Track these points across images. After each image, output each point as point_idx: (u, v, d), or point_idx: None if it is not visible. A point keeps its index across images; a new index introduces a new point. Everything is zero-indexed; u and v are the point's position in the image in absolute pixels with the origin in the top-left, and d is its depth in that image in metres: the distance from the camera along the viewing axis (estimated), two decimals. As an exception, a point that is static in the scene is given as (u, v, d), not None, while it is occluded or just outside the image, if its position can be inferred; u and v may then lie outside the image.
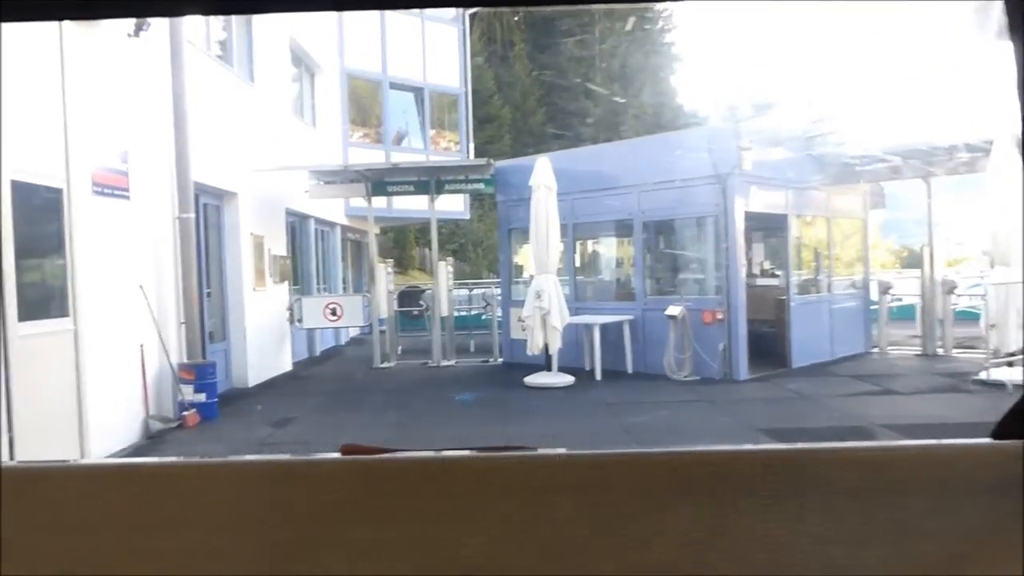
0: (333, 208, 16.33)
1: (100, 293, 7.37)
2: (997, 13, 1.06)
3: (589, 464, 1.08)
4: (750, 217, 10.86)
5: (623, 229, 12.66)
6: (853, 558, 1.01)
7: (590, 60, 37.08)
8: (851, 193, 12.85)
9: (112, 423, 7.49)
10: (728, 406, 9.07)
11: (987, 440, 1.08)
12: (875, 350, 12.73)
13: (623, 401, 9.43)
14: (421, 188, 13.22)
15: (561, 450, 1.11)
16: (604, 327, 10.96)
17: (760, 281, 12.24)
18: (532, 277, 11.13)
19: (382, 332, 12.90)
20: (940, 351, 12.05)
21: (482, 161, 13.36)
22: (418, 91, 19.72)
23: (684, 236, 12.03)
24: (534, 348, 10.54)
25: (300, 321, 12.88)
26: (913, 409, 8.56)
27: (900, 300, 15.29)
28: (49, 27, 6.68)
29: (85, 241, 7.12)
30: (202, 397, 8.60)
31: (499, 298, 13.54)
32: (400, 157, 17.47)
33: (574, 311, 11.25)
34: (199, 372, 8.67)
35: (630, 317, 11.27)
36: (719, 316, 10.51)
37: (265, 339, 11.80)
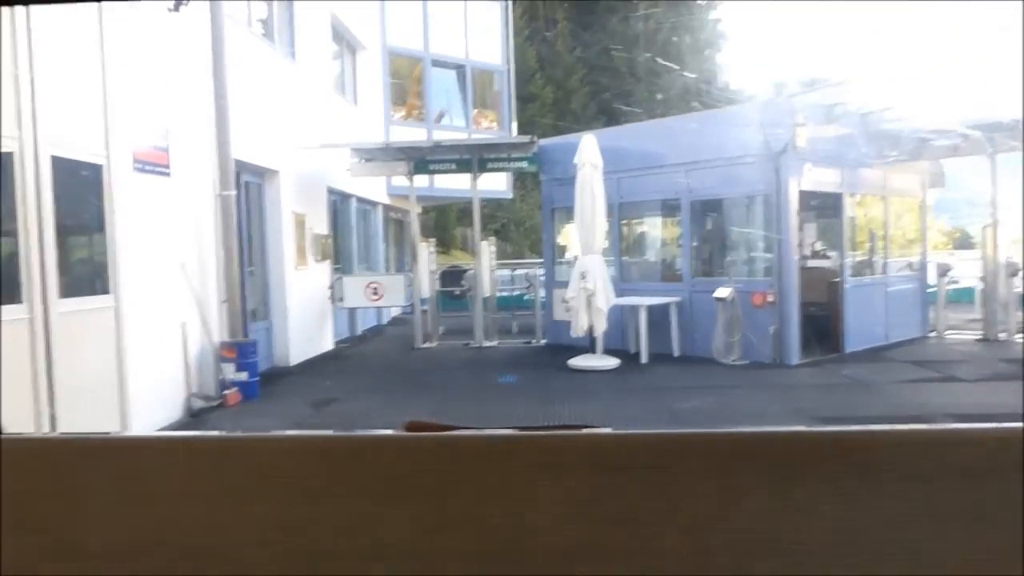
0: (375, 187, 16.22)
1: (141, 270, 7.31)
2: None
3: (652, 442, 1.07)
4: (803, 196, 10.46)
5: (670, 209, 12.32)
6: (929, 541, 1.00)
7: (634, 38, 36.42)
8: (909, 171, 12.34)
9: (154, 400, 7.46)
10: (780, 392, 8.76)
11: None
12: (932, 334, 12.27)
13: (670, 385, 9.17)
14: (463, 166, 13.02)
15: (627, 430, 1.09)
16: (650, 309, 10.68)
17: (812, 262, 11.83)
18: (576, 257, 10.89)
19: (424, 312, 12.80)
20: (1003, 336, 11.54)
21: (526, 139, 13.09)
22: (460, 69, 19.49)
23: (733, 216, 11.66)
24: (578, 330, 10.31)
25: (341, 300, 12.81)
26: (977, 397, 8.17)
27: (957, 283, 14.72)
28: (88, 3, 6.59)
29: (126, 218, 7.06)
30: (243, 376, 8.55)
31: (542, 278, 13.35)
32: (442, 135, 17.27)
33: (619, 292, 10.99)
34: (240, 351, 8.61)
35: (677, 299, 10.97)
36: (770, 298, 10.16)
37: (306, 318, 11.75)
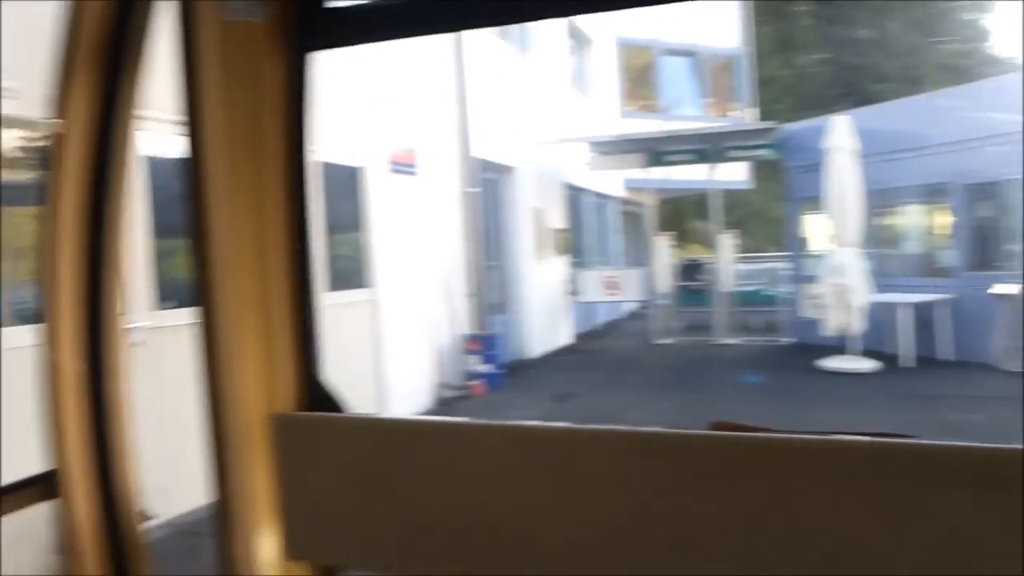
0: (610, 180, 16.16)
1: (395, 266, 7.71)
2: None
3: (991, 457, 1.00)
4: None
5: (933, 194, 11.08)
6: None
7: (883, 8, 33.50)
8: None
9: (407, 388, 7.86)
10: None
11: None
12: None
13: (941, 394, 8.22)
14: (701, 156, 12.59)
15: (950, 441, 1.04)
16: (913, 307, 9.68)
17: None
18: (826, 250, 10.12)
19: (662, 307, 12.55)
20: None
21: (768, 124, 12.42)
22: (693, 55, 18.89)
23: (1015, 201, 10.25)
24: (830, 328, 9.57)
25: (579, 294, 12.87)
26: None
27: None
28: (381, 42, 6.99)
29: (381, 216, 7.47)
30: (488, 368, 8.80)
31: (787, 273, 12.59)
32: (676, 126, 16.83)
33: (877, 288, 10.05)
34: (485, 343, 8.87)
35: (945, 296, 9.84)
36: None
37: (546, 311, 11.91)
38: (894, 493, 1.02)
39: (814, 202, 11.00)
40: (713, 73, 19.41)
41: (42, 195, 1.49)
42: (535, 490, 1.23)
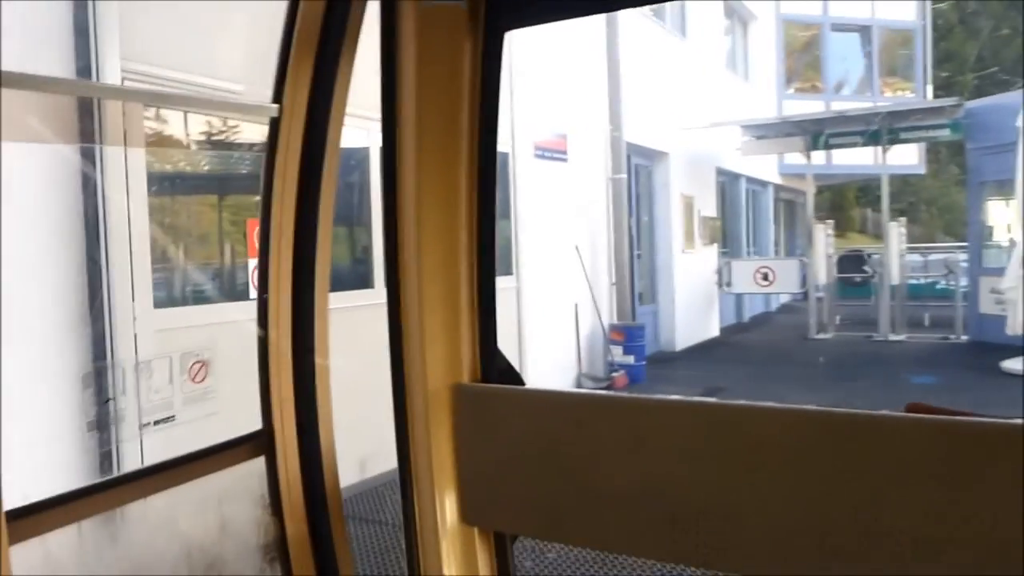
0: (765, 166, 15.44)
1: (540, 252, 7.62)
2: None
3: None
4: None
5: None
6: None
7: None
8: None
9: (549, 377, 7.78)
10: None
11: None
12: None
13: None
14: (870, 139, 11.72)
15: None
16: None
17: None
18: (1015, 241, 9.15)
19: (819, 299, 11.86)
20: None
21: (949, 101, 11.36)
22: (864, 30, 17.64)
23: None
24: (1015, 327, 8.66)
25: (729, 285, 12.37)
26: None
27: None
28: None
29: (527, 203, 7.39)
30: (631, 359, 8.57)
31: (964, 265, 11.57)
32: (842, 107, 15.81)
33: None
34: (628, 334, 8.64)
35: None
36: None
37: (693, 303, 11.52)
38: None
39: (1000, 187, 10.01)
40: (886, 49, 18.07)
41: (262, 180, 1.62)
42: (712, 468, 1.22)
